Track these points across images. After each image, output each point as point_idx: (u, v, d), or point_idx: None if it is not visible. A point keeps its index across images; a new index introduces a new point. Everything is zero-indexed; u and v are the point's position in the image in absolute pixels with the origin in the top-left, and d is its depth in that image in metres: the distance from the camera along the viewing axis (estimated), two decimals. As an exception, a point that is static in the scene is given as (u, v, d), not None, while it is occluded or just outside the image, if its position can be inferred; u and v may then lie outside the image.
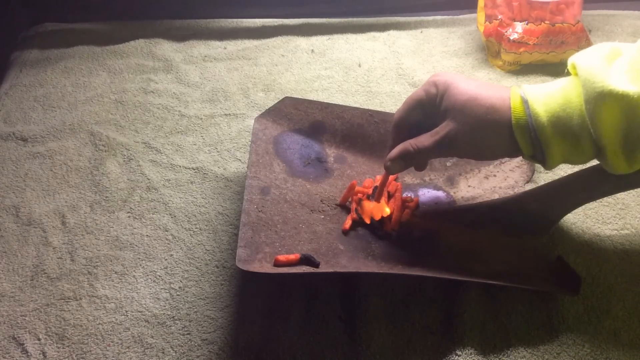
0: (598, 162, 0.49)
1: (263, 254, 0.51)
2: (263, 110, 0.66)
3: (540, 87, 0.46)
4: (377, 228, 0.57)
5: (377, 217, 0.57)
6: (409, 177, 0.64)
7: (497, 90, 0.47)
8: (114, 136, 0.72)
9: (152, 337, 0.52)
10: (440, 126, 0.49)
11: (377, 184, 0.59)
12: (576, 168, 0.67)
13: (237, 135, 0.72)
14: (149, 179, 0.67)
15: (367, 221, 0.57)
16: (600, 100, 0.41)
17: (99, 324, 0.53)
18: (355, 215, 0.58)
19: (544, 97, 0.45)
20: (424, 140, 0.50)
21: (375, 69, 0.83)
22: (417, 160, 0.53)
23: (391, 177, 0.62)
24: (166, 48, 0.86)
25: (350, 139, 0.65)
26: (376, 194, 0.58)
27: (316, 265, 0.51)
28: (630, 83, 0.41)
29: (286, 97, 0.66)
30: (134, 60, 0.84)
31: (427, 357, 0.51)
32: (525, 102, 0.45)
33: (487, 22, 0.83)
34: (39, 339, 0.52)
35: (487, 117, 0.46)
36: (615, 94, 0.40)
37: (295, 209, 0.58)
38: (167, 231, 0.61)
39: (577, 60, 0.44)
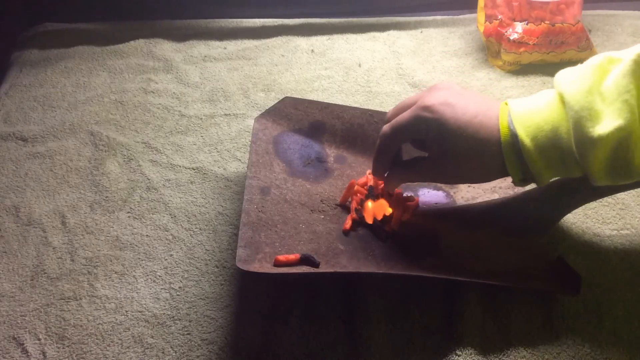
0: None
1: (263, 254, 0.51)
2: (263, 110, 0.66)
3: (529, 116, 0.45)
4: (379, 228, 0.57)
5: (380, 217, 0.57)
6: (409, 177, 0.64)
7: (486, 119, 0.46)
8: (114, 136, 0.72)
9: (152, 337, 0.52)
10: (425, 161, 0.50)
11: (372, 183, 0.59)
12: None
13: (237, 135, 0.72)
14: (149, 179, 0.67)
15: (370, 221, 0.57)
16: (591, 145, 0.41)
17: (99, 324, 0.53)
18: (355, 215, 0.58)
19: (533, 131, 0.44)
20: (412, 176, 0.53)
21: (375, 69, 0.83)
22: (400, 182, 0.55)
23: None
24: (166, 48, 0.86)
25: (350, 139, 0.65)
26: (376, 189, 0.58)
27: (316, 265, 0.51)
28: (618, 117, 0.41)
29: (286, 97, 0.66)
30: (134, 60, 0.84)
31: (427, 357, 0.51)
32: (514, 136, 0.44)
33: (487, 22, 0.83)
34: (39, 339, 0.52)
35: (477, 147, 0.46)
36: (605, 137, 0.41)
37: (295, 209, 0.58)
38: (167, 231, 0.61)
39: (565, 92, 0.43)
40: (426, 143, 0.49)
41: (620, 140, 0.41)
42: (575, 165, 0.44)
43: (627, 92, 0.41)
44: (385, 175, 0.54)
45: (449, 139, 0.46)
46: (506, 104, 0.46)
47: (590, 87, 0.42)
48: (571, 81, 0.43)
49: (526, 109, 0.45)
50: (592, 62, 0.44)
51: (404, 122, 0.49)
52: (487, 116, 0.46)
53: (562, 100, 0.43)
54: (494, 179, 0.49)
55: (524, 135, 0.44)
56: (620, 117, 0.40)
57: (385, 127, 0.51)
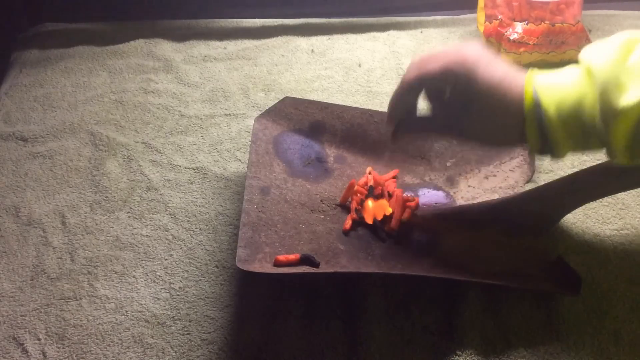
0: (598, 162, 0.49)
1: (263, 254, 0.51)
2: (263, 110, 0.66)
3: (554, 86, 0.45)
4: (379, 228, 0.57)
5: (380, 217, 0.57)
6: (409, 177, 0.64)
7: (512, 85, 0.46)
8: (114, 136, 0.72)
9: (152, 337, 0.52)
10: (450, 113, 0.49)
11: (372, 183, 0.59)
12: (578, 167, 0.67)
13: (237, 135, 0.72)
14: (149, 179, 0.66)
15: (370, 221, 0.57)
16: (615, 116, 0.41)
17: (99, 324, 0.53)
18: (355, 215, 0.58)
19: (557, 100, 0.44)
20: (436, 127, 0.51)
21: (375, 69, 0.83)
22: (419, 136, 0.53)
23: (391, 178, 0.63)
24: (166, 48, 0.86)
25: (350, 139, 0.65)
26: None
27: (316, 265, 0.51)
28: None
29: (286, 97, 0.66)
30: (134, 60, 0.84)
31: (427, 357, 0.50)
32: (537, 104, 0.45)
33: (487, 22, 0.83)
34: (39, 339, 0.52)
35: (500, 111, 0.46)
36: (630, 109, 0.40)
37: (295, 209, 0.58)
38: (167, 231, 0.61)
39: (592, 63, 0.44)
40: (450, 95, 0.49)
41: None
42: (595, 139, 0.44)
43: None
44: (397, 124, 0.53)
45: (475, 94, 0.46)
46: (531, 74, 0.47)
47: (617, 60, 0.43)
48: (598, 55, 0.44)
49: (551, 79, 0.46)
50: (616, 40, 0.44)
51: (433, 69, 0.49)
52: (514, 81, 0.46)
53: (589, 73, 0.44)
54: (510, 145, 0.48)
55: (548, 104, 0.44)
56: None
57: (411, 73, 0.50)
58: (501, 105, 0.46)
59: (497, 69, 0.47)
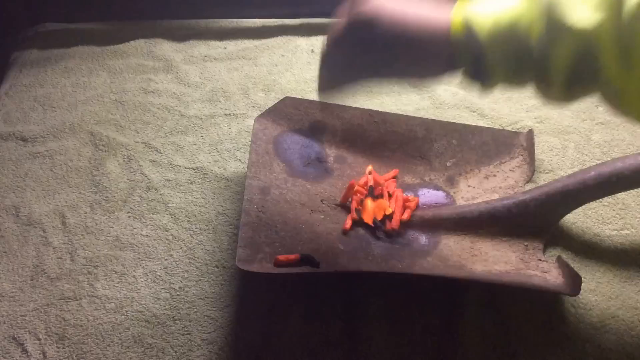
0: (598, 162, 0.48)
1: (263, 254, 0.51)
2: (263, 110, 0.66)
3: (486, 9, 0.42)
4: (379, 228, 0.57)
5: (380, 217, 0.57)
6: (409, 177, 0.64)
7: (434, 11, 0.44)
8: (114, 136, 0.72)
9: (152, 337, 0.52)
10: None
11: (372, 183, 0.59)
12: (578, 167, 0.67)
13: (237, 135, 0.72)
14: (149, 179, 0.67)
15: (370, 221, 0.57)
16: (560, 35, 0.38)
17: (99, 324, 0.53)
18: (355, 215, 0.58)
19: (491, 22, 0.41)
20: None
21: (375, 69, 0.83)
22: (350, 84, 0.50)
23: (391, 178, 0.63)
24: (166, 48, 0.86)
25: (350, 139, 0.65)
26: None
27: (316, 265, 0.51)
28: (597, 10, 0.37)
29: (286, 97, 0.66)
30: (134, 60, 0.84)
31: (427, 357, 0.51)
32: (468, 26, 0.42)
33: None
34: (39, 339, 0.52)
35: (423, 36, 0.43)
36: (574, 30, 0.37)
37: (295, 209, 0.58)
38: (167, 231, 0.61)
39: None
40: (368, 44, 0.47)
41: (589, 38, 0.37)
42: (530, 64, 0.41)
43: None
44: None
45: (390, 31, 0.44)
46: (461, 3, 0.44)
47: None
48: None
49: (484, 4, 0.43)
50: None
51: (338, 31, 0.48)
52: (436, 9, 0.44)
53: None
54: (442, 74, 0.45)
55: (482, 24, 0.41)
56: (599, 10, 0.37)
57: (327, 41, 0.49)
58: (424, 31, 0.43)
59: (410, 3, 0.45)
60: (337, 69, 0.50)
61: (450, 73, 0.45)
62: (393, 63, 0.46)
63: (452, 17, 0.43)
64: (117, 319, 0.54)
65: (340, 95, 0.51)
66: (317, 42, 0.88)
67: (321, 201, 0.60)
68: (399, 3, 0.45)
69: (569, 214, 0.58)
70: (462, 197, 0.62)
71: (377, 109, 0.68)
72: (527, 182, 0.62)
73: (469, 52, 0.42)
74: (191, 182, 0.66)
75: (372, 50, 0.47)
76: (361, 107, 0.68)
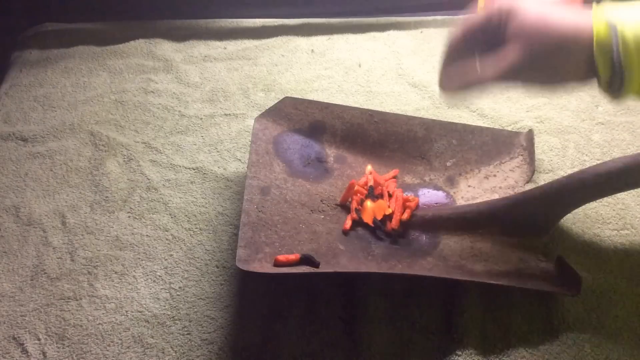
0: (598, 162, 0.48)
1: (263, 254, 0.51)
2: (263, 110, 0.66)
3: (629, 12, 0.42)
4: (379, 228, 0.57)
5: (380, 217, 0.57)
6: (409, 177, 0.64)
7: (573, 13, 0.43)
8: (114, 136, 0.72)
9: (152, 337, 0.52)
10: (506, 52, 0.45)
11: (372, 183, 0.59)
12: (578, 167, 0.67)
13: (237, 135, 0.72)
14: (149, 179, 0.67)
15: (370, 221, 0.57)
16: None
17: (99, 324, 0.53)
18: (355, 215, 0.58)
19: (633, 24, 0.40)
20: (488, 70, 0.47)
21: (375, 69, 0.83)
22: (476, 89, 0.48)
23: (391, 178, 0.63)
24: (166, 48, 0.86)
25: (350, 139, 0.65)
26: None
27: (316, 265, 0.51)
28: None
29: (286, 97, 0.66)
30: (134, 60, 0.84)
31: (427, 357, 0.51)
32: (612, 27, 0.41)
33: None
34: (39, 339, 0.52)
35: (562, 42, 0.43)
36: None
37: (295, 209, 0.58)
38: (167, 231, 0.61)
39: None
40: (498, 32, 0.46)
41: None
42: None
43: None
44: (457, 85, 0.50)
45: (526, 19, 0.44)
46: (599, 6, 0.44)
47: None
48: None
49: (629, 10, 0.42)
50: None
51: (472, 17, 0.47)
52: (575, 11, 0.43)
53: None
54: (574, 82, 0.44)
55: (623, 27, 0.40)
56: None
57: (455, 30, 0.48)
58: (563, 34, 0.43)
59: (550, 2, 0.44)
60: (464, 66, 0.48)
61: (587, 81, 0.44)
62: (526, 64, 0.44)
63: (594, 21, 0.42)
64: (117, 319, 0.54)
65: (465, 95, 0.49)
66: (317, 42, 0.88)
67: (321, 201, 0.60)
68: (539, 2, 0.44)
69: (569, 214, 0.58)
70: (462, 197, 0.62)
71: (377, 109, 0.68)
72: (527, 182, 0.62)
73: (611, 59, 0.41)
74: (191, 182, 0.66)
75: (504, 46, 0.45)
76: (361, 107, 0.68)
